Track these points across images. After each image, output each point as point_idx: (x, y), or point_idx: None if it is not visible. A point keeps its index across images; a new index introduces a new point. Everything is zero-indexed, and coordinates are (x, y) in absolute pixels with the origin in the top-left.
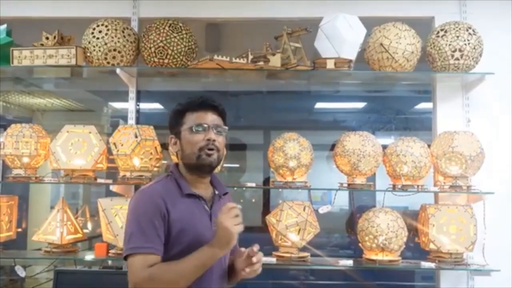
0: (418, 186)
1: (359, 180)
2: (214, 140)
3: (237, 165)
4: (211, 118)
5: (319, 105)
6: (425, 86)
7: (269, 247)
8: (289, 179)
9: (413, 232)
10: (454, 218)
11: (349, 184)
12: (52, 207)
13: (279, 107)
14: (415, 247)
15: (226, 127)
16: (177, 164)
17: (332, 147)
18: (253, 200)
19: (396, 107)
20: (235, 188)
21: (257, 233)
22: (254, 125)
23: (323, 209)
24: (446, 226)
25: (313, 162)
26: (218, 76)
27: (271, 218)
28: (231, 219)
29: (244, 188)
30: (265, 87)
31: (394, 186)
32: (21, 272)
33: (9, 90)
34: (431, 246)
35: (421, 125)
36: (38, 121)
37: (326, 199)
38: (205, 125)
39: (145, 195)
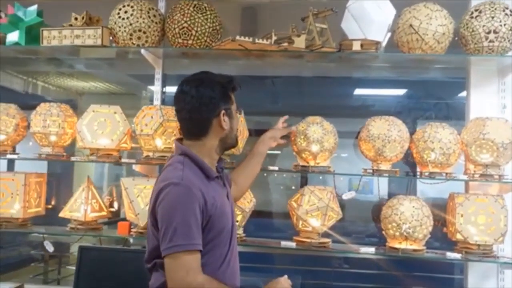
0: (446, 174)
1: (384, 166)
2: None
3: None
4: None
5: (350, 90)
6: (460, 71)
7: (292, 231)
8: (312, 163)
9: (441, 222)
10: (483, 208)
11: (373, 170)
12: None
13: (308, 91)
14: (443, 238)
15: None
16: (180, 141)
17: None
18: (292, 187)
19: (436, 93)
20: (265, 174)
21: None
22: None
23: (347, 195)
24: (475, 216)
25: (338, 147)
26: (244, 59)
27: (292, 202)
28: None
29: (275, 174)
30: (293, 72)
31: (421, 173)
32: (49, 248)
33: (49, 71)
34: (458, 236)
35: (460, 113)
36: (79, 104)
37: (358, 187)
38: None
39: (184, 188)
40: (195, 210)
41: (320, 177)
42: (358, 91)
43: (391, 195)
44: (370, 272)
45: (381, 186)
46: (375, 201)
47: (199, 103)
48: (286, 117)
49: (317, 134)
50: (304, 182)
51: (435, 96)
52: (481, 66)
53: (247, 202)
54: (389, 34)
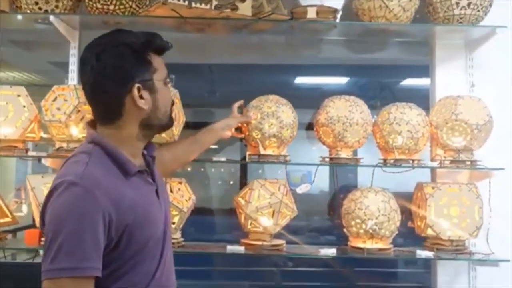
0: (413, 161)
1: (345, 154)
2: None
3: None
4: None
5: (298, 77)
6: (422, 47)
7: (239, 233)
8: (266, 151)
9: (405, 215)
10: (456, 199)
11: (331, 159)
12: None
13: (251, 78)
14: (408, 232)
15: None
16: (93, 126)
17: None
18: (231, 182)
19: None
20: (213, 169)
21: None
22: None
23: (301, 188)
24: (447, 208)
25: (296, 134)
26: (179, 31)
27: (239, 199)
28: None
29: (211, 167)
30: (235, 40)
31: (385, 161)
32: None
33: None
34: (429, 231)
35: (417, 95)
36: None
37: (306, 180)
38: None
39: (83, 189)
40: (96, 221)
41: (260, 171)
42: (305, 79)
43: (345, 187)
44: (322, 270)
45: (327, 177)
46: (331, 193)
47: (102, 76)
48: (241, 102)
49: (273, 108)
50: (243, 175)
51: (394, 77)
52: (447, 40)
53: (185, 200)
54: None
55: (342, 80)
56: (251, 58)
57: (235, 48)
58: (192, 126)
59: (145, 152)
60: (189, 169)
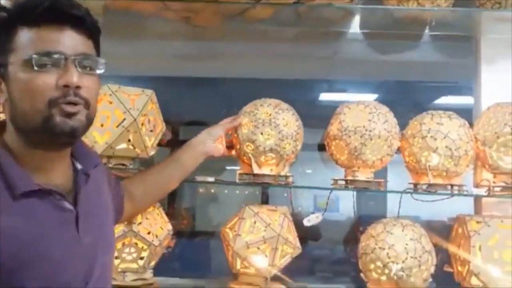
0: (452, 186)
1: (363, 175)
2: (78, 87)
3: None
4: (70, 40)
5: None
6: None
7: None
8: (261, 169)
9: (440, 256)
10: (510, 239)
11: (347, 181)
12: None
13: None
14: (444, 278)
15: (102, 60)
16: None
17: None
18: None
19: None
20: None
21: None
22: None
23: (310, 220)
24: (498, 251)
25: (298, 161)
26: (160, 21)
27: (226, 230)
28: None
29: (243, 190)
30: (228, 33)
31: (415, 186)
32: None
33: None
34: (474, 281)
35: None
36: None
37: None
38: (58, 56)
39: None
40: None
41: (285, 194)
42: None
43: (366, 218)
44: None
45: (349, 202)
46: (347, 224)
47: None
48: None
49: (270, 114)
50: (264, 200)
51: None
52: (496, 34)
53: (160, 228)
54: None
55: (365, 91)
56: (248, 62)
57: (228, 49)
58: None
59: (78, 166)
60: (212, 190)
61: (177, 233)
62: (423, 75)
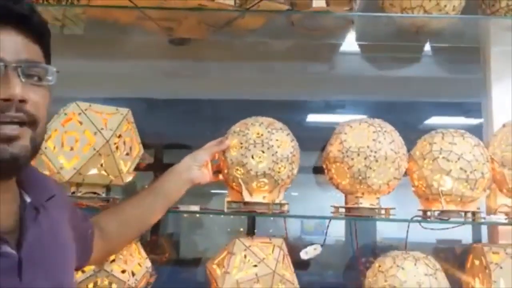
0: (465, 213)
1: (367, 201)
2: (22, 100)
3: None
4: (11, 44)
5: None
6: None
7: None
8: (250, 197)
9: None
10: None
11: (348, 209)
12: None
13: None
14: None
15: (53, 68)
16: None
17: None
18: (241, 229)
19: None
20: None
21: None
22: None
23: (308, 253)
24: None
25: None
26: (139, 33)
27: (212, 267)
28: None
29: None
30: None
31: (425, 213)
32: None
33: None
34: None
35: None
36: None
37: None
38: None
39: None
40: None
41: (272, 219)
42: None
43: (367, 247)
44: None
45: (338, 228)
46: (348, 254)
47: None
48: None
49: (262, 135)
50: (250, 225)
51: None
52: (506, 46)
53: (137, 265)
54: None
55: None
56: (235, 81)
57: (214, 67)
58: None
59: (27, 199)
60: (197, 215)
61: (159, 264)
62: (425, 92)
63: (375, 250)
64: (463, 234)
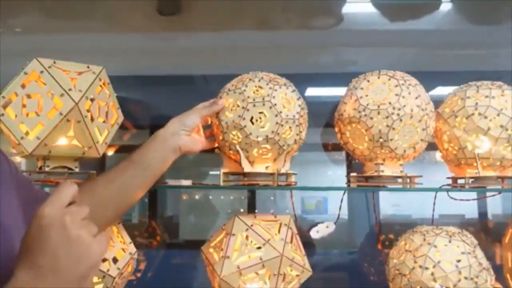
0: (503, 179)
1: (390, 170)
2: None
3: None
4: None
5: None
6: None
7: None
8: (253, 167)
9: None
10: None
11: (366, 178)
12: None
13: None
14: None
15: None
16: None
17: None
18: (241, 210)
19: None
20: (222, 197)
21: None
22: None
23: (320, 230)
24: None
25: (297, 161)
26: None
27: (209, 251)
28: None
29: (229, 195)
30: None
31: (455, 181)
32: None
33: None
34: None
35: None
36: None
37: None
38: None
39: None
40: None
41: (272, 197)
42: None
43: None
44: None
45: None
46: (368, 232)
47: None
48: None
49: (263, 91)
50: (251, 203)
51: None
52: None
53: (120, 251)
54: None
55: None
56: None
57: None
58: None
59: None
60: (196, 196)
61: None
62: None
63: (395, 226)
64: (467, 208)
